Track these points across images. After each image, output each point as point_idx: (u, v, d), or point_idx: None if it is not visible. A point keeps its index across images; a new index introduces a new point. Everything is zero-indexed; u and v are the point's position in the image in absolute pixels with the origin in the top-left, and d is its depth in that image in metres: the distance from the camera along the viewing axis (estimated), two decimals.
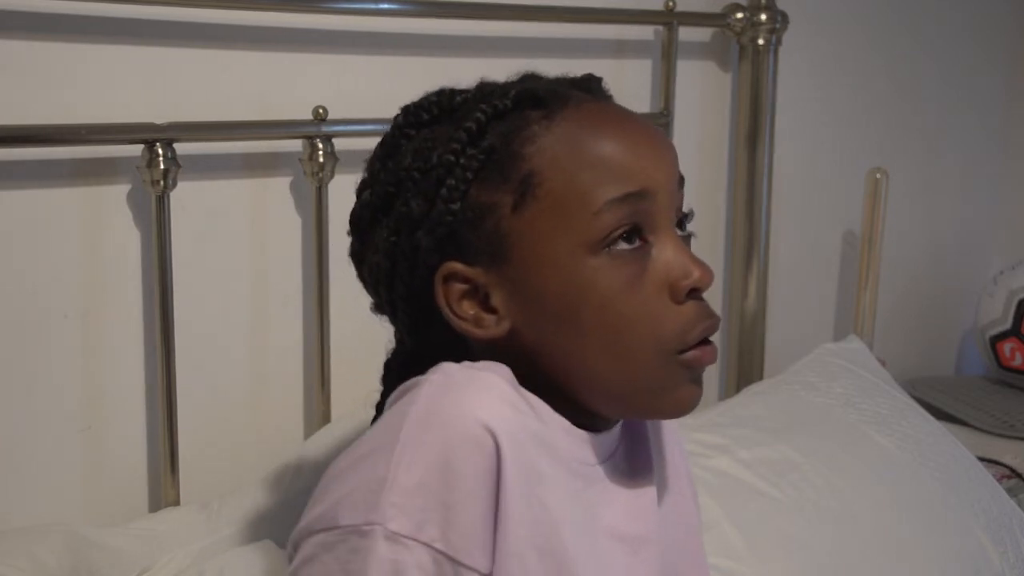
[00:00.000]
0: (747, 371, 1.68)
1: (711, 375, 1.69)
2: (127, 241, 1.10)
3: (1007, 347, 2.01)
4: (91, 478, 1.11)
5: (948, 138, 2.10)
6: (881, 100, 1.94)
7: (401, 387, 0.74)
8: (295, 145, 1.18)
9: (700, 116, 1.64)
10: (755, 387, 1.56)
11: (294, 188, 1.21)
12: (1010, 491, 1.56)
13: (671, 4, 1.50)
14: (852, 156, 1.88)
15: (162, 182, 1.06)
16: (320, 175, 1.17)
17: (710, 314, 0.78)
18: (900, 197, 1.89)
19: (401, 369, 0.84)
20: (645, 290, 0.76)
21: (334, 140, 1.18)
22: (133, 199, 1.10)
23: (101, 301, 1.09)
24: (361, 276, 0.85)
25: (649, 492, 0.83)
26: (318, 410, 1.23)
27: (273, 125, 1.18)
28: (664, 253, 0.77)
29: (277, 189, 1.21)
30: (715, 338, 0.79)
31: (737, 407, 1.47)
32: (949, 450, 1.50)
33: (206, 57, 1.14)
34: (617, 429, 0.83)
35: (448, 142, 0.77)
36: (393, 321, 0.84)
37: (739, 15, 1.59)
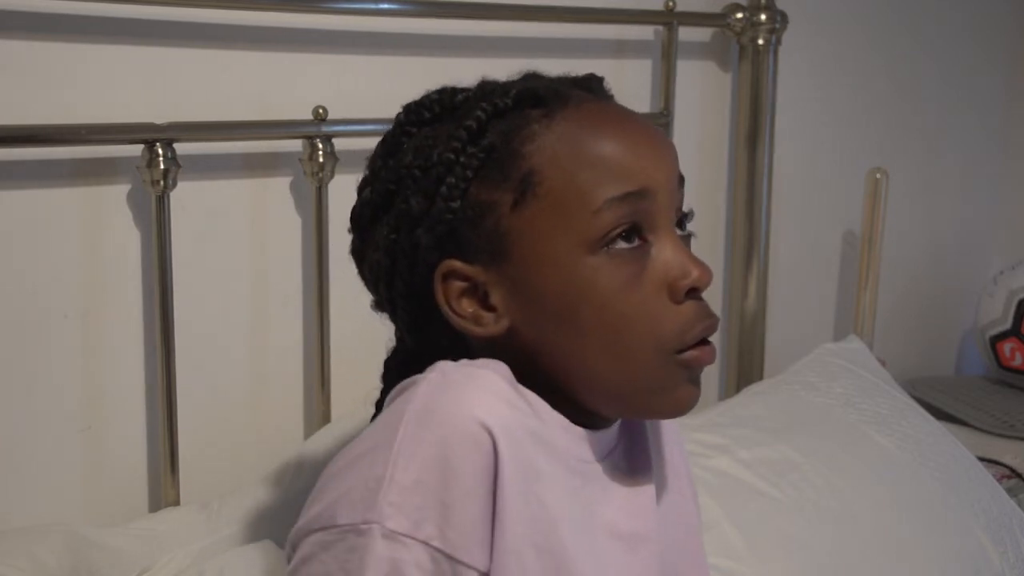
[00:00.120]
0: (747, 371, 1.68)
1: (711, 375, 1.69)
2: (127, 241, 1.10)
3: (1007, 347, 2.01)
4: (91, 478, 1.11)
5: (948, 138, 2.10)
6: (881, 100, 1.93)
7: (399, 386, 0.74)
8: (295, 145, 1.18)
9: (700, 116, 1.64)
10: (755, 387, 1.56)
11: (294, 188, 1.21)
12: (1010, 491, 1.56)
13: (671, 4, 1.50)
14: (852, 156, 1.88)
15: (162, 182, 1.06)
16: (320, 175, 1.17)
17: (709, 314, 0.78)
18: (900, 197, 1.89)
19: (401, 368, 0.84)
20: (644, 289, 0.76)
21: (334, 140, 1.18)
22: (133, 199, 1.10)
23: (101, 301, 1.09)
24: (361, 273, 0.85)
25: (648, 490, 0.83)
26: (318, 410, 1.23)
27: (273, 125, 1.18)
28: (663, 252, 0.77)
29: (277, 189, 1.21)
30: (715, 338, 0.79)
31: (737, 407, 1.46)
32: (949, 450, 1.50)
33: (206, 57, 1.14)
34: (615, 427, 0.83)
35: (449, 140, 0.77)
36: (393, 319, 0.84)
37: (739, 15, 1.59)
